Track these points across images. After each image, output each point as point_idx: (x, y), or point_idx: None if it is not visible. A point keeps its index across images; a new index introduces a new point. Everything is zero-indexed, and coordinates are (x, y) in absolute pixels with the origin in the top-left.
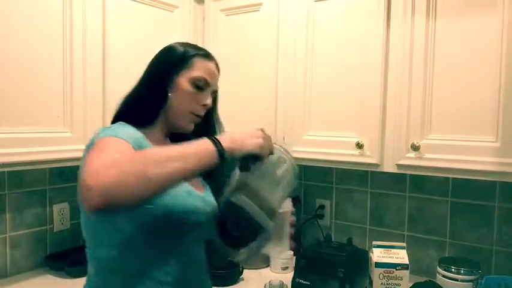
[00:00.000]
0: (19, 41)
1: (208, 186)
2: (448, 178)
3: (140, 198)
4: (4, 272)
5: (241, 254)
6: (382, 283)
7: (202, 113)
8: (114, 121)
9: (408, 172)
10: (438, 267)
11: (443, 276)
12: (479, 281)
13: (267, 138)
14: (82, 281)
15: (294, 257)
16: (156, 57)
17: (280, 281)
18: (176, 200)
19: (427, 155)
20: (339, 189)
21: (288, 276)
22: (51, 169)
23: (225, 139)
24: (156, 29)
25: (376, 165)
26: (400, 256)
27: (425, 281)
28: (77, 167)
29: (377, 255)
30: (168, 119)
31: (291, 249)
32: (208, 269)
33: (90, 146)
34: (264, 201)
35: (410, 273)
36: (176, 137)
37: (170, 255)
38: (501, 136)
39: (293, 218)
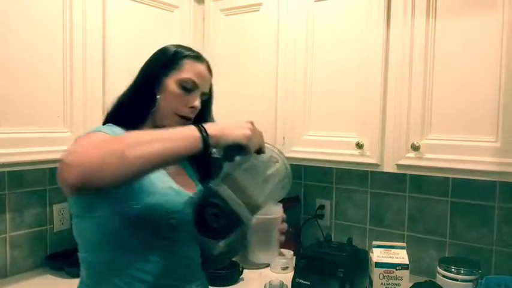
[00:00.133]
0: (19, 41)
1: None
2: (448, 178)
3: (118, 178)
4: (4, 272)
5: (219, 247)
6: (382, 283)
7: (190, 115)
8: (105, 122)
9: (408, 172)
10: (438, 267)
11: (443, 276)
12: (479, 281)
13: (256, 132)
14: None
15: (294, 257)
16: (149, 58)
17: (280, 281)
18: (163, 199)
19: (427, 155)
20: (339, 189)
21: (288, 276)
22: (51, 169)
23: (211, 126)
24: (156, 29)
25: (376, 165)
26: (400, 256)
27: (425, 281)
28: None
29: (377, 255)
30: (155, 120)
31: (292, 249)
32: (206, 269)
33: None
34: (246, 194)
35: (410, 273)
36: None
37: (158, 254)
38: (501, 136)
39: (284, 225)
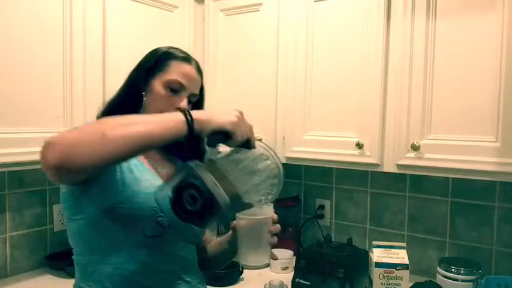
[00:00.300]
0: (19, 41)
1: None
2: (448, 178)
3: (98, 157)
4: (4, 272)
5: (199, 234)
6: (382, 283)
7: None
8: None
9: (408, 172)
10: (438, 267)
11: (443, 276)
12: (479, 281)
13: (244, 121)
14: None
15: (294, 257)
16: (139, 60)
17: (280, 281)
18: (149, 198)
19: (427, 155)
20: (339, 189)
21: (288, 276)
22: None
23: (197, 112)
24: (156, 29)
25: (376, 165)
26: (400, 256)
27: (425, 281)
28: None
29: (377, 255)
30: None
31: (292, 249)
32: (204, 270)
33: None
34: (226, 180)
35: (411, 273)
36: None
37: (148, 253)
38: (501, 136)
39: (277, 226)
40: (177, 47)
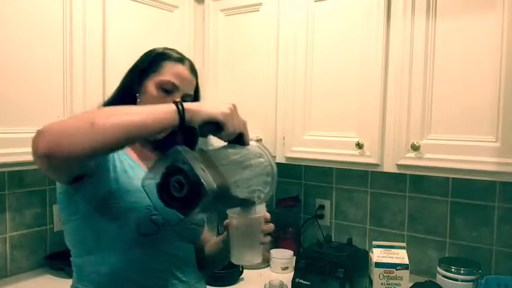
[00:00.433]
0: (19, 41)
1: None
2: (448, 178)
3: (87, 145)
4: (4, 272)
5: (191, 229)
6: (382, 283)
7: None
8: None
9: (408, 172)
10: (438, 267)
11: (443, 276)
12: (479, 281)
13: (236, 114)
14: None
15: (294, 257)
16: (135, 61)
17: (280, 281)
18: (142, 196)
19: (427, 155)
20: (339, 189)
21: (288, 276)
22: None
23: (190, 103)
24: (156, 29)
25: (376, 165)
26: (400, 256)
27: (425, 281)
28: None
29: (377, 255)
30: None
31: (292, 249)
32: (202, 270)
33: None
34: (215, 169)
35: (411, 273)
36: (163, 143)
37: (142, 252)
38: (501, 136)
39: (270, 226)
40: (172, 47)
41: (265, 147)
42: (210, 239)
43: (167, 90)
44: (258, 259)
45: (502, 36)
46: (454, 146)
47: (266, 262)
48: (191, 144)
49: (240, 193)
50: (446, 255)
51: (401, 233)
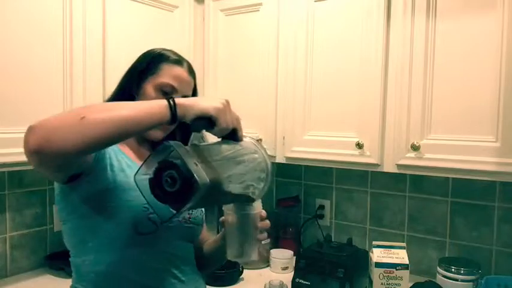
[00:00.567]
0: (19, 41)
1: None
2: (448, 178)
3: (77, 141)
4: (4, 272)
5: (189, 229)
6: (382, 283)
7: None
8: None
9: (408, 172)
10: (438, 267)
11: (443, 276)
12: (479, 281)
13: (230, 109)
14: None
15: (294, 257)
16: (133, 62)
17: (280, 281)
18: (138, 194)
19: (427, 155)
20: (339, 189)
21: (288, 276)
22: None
23: (181, 98)
24: (156, 29)
25: (376, 165)
26: (400, 256)
27: (425, 281)
28: None
29: (377, 255)
30: None
31: (292, 249)
32: (201, 270)
33: None
34: (208, 163)
35: (411, 273)
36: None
37: (141, 251)
38: (501, 136)
39: (266, 222)
40: (171, 48)
41: (259, 143)
42: (209, 238)
43: (166, 93)
44: (254, 256)
45: (502, 36)
46: (454, 146)
47: (266, 262)
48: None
49: (234, 189)
50: (446, 255)
51: (401, 233)
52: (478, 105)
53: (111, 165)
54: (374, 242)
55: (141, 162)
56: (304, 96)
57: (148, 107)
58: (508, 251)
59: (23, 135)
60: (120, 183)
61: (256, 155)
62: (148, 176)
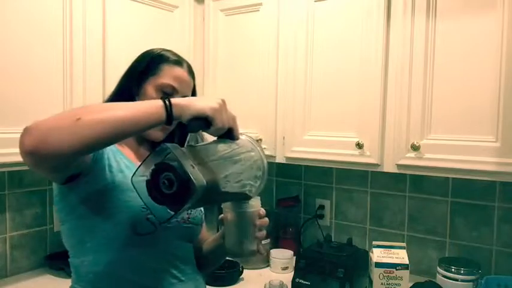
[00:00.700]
0: (19, 41)
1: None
2: (448, 178)
3: (72, 142)
4: (4, 272)
5: (188, 229)
6: (382, 283)
7: None
8: None
9: (408, 172)
10: (438, 267)
11: (443, 276)
12: (479, 281)
13: (226, 109)
14: None
15: (294, 257)
16: (132, 62)
17: (280, 281)
18: (136, 195)
19: (427, 155)
20: (339, 189)
21: (288, 276)
22: None
23: (178, 98)
24: (156, 29)
25: (376, 165)
26: (400, 256)
27: (425, 281)
28: None
29: (377, 255)
30: None
31: (292, 249)
32: (201, 270)
33: None
34: (205, 164)
35: (411, 273)
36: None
37: (140, 252)
38: (501, 136)
39: (265, 220)
40: (170, 48)
41: (256, 141)
42: (209, 237)
43: (166, 93)
44: (253, 254)
45: (502, 36)
46: (454, 146)
47: (266, 262)
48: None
49: (231, 188)
50: (446, 255)
51: (401, 233)
52: (478, 105)
53: (110, 165)
54: (374, 242)
55: (140, 163)
56: (304, 96)
57: (145, 108)
58: (508, 251)
59: None
60: (118, 184)
61: (252, 153)
62: (145, 178)
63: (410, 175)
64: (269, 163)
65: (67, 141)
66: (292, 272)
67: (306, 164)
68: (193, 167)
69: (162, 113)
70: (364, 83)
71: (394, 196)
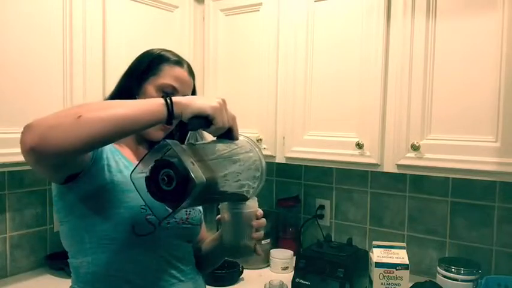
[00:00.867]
0: (19, 41)
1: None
2: (448, 178)
3: (73, 139)
4: (4, 272)
5: (187, 229)
6: (382, 283)
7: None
8: None
9: (408, 172)
10: (438, 267)
11: (443, 276)
12: (479, 281)
13: (226, 109)
14: None
15: (294, 257)
16: (132, 62)
17: (280, 281)
18: (136, 196)
19: (427, 155)
20: (339, 189)
21: (288, 276)
22: None
23: (179, 97)
24: (156, 29)
25: (376, 165)
26: (400, 256)
27: (425, 281)
28: None
29: (377, 255)
30: None
31: (292, 249)
32: (201, 270)
33: None
34: (204, 163)
35: (410, 273)
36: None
37: (139, 252)
38: (501, 136)
39: (262, 221)
40: (170, 48)
41: (255, 142)
42: (207, 238)
43: (167, 93)
44: (249, 254)
45: (502, 36)
46: (454, 146)
47: (266, 262)
48: (183, 140)
49: (229, 187)
50: (446, 255)
51: (401, 233)
52: (478, 105)
53: (109, 165)
54: (374, 242)
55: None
56: (304, 96)
57: (146, 105)
58: (508, 251)
59: None
60: (117, 184)
61: (251, 154)
62: (144, 175)
63: (410, 175)
64: (269, 163)
65: (68, 138)
66: (292, 272)
67: (306, 164)
68: (193, 164)
69: (163, 111)
70: (364, 83)
71: (394, 196)
